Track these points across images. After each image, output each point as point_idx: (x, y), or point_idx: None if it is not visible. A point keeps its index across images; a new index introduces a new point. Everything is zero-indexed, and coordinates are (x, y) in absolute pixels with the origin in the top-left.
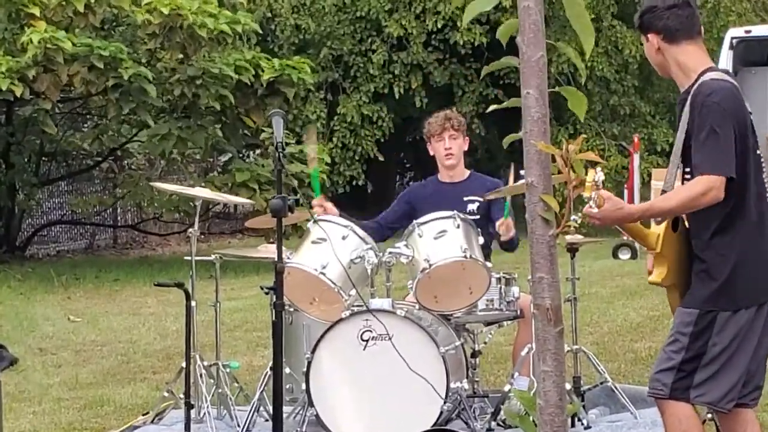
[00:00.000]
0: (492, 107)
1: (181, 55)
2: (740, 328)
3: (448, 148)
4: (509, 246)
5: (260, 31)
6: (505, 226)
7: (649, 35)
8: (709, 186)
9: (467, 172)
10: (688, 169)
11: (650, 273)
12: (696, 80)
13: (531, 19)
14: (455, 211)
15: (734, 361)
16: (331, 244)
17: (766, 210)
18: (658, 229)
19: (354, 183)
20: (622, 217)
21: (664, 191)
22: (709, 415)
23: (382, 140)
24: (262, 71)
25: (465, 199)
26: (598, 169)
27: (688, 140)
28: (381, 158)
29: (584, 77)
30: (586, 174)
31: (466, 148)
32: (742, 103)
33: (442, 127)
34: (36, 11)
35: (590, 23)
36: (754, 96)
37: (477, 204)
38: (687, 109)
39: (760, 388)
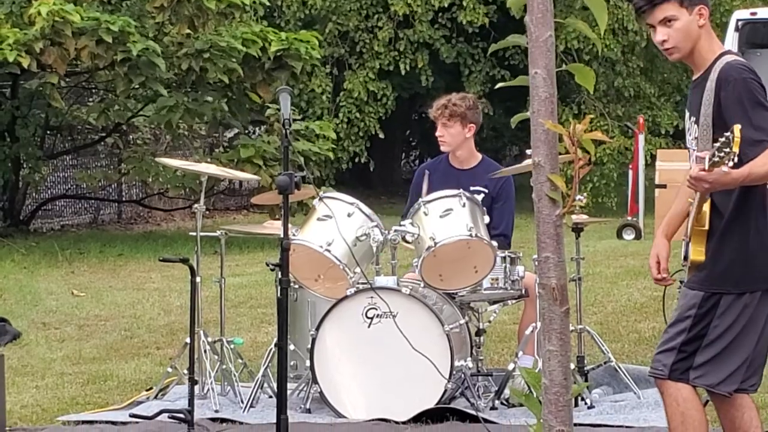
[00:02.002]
0: (500, 85)
1: (188, 29)
2: (743, 312)
3: (440, 135)
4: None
5: (268, 4)
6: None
7: (699, 7)
8: None
9: (478, 158)
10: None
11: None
12: (714, 62)
13: None
14: (461, 190)
15: (737, 345)
16: (337, 222)
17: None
18: (705, 206)
19: (357, 160)
20: (729, 182)
21: (709, 159)
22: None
23: (384, 118)
24: (270, 44)
25: (471, 189)
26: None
27: (717, 117)
28: (382, 135)
29: (600, 48)
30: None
31: (469, 135)
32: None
33: (435, 115)
34: None
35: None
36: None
37: (482, 195)
38: (711, 86)
39: (761, 375)
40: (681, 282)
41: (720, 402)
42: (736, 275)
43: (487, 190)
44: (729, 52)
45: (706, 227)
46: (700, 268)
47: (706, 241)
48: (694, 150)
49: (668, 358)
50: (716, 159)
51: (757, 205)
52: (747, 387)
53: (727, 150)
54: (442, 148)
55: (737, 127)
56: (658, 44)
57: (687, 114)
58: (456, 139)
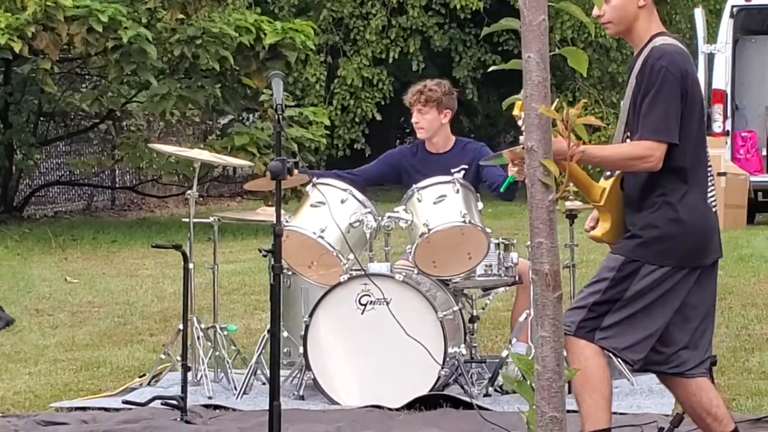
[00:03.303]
0: (492, 68)
1: (181, 15)
2: (661, 285)
3: (416, 122)
4: (509, 195)
5: None
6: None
7: None
8: (648, 152)
9: (452, 141)
10: (628, 134)
11: (591, 229)
12: (647, 43)
13: None
14: (455, 176)
15: (647, 315)
16: (330, 208)
17: (707, 179)
18: (605, 184)
19: (354, 146)
20: (555, 151)
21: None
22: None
23: (383, 103)
24: (265, 35)
25: (452, 171)
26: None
27: (634, 103)
28: (379, 118)
29: (593, 32)
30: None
31: (445, 121)
32: (692, 69)
33: (410, 101)
34: None
35: None
36: (753, 64)
37: (463, 173)
38: (636, 70)
39: (708, 359)
40: None
41: (676, 388)
42: (661, 247)
43: (467, 166)
44: (662, 33)
45: (601, 203)
46: (629, 236)
47: (611, 217)
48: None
49: (577, 315)
50: None
51: (688, 183)
52: (696, 372)
53: None
54: (420, 135)
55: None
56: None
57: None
58: (433, 125)
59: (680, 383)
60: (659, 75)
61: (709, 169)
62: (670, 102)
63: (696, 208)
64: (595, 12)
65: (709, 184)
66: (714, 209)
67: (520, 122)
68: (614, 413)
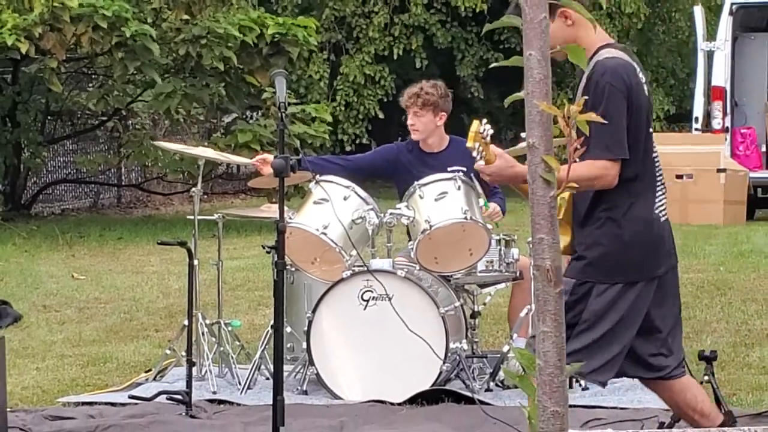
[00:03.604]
0: (494, 64)
1: (186, 15)
2: (617, 302)
3: (412, 124)
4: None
5: None
6: (489, 216)
7: (558, 11)
8: (604, 171)
9: (446, 140)
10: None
11: None
12: (593, 56)
13: None
14: (456, 173)
15: (612, 336)
16: (333, 205)
17: (656, 187)
18: (560, 199)
19: (358, 141)
20: (513, 175)
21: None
22: (706, 377)
23: (385, 100)
24: (267, 29)
25: (450, 170)
26: (485, 120)
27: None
28: (381, 116)
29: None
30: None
31: (440, 123)
32: (637, 80)
33: (407, 104)
34: None
35: None
36: (753, 61)
37: (462, 172)
38: (582, 86)
39: (680, 360)
40: None
41: (660, 390)
42: (608, 265)
43: (465, 168)
44: (607, 45)
45: (559, 216)
46: (576, 257)
47: (570, 231)
48: None
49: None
50: (483, 153)
51: (634, 195)
52: (674, 374)
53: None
54: (414, 137)
55: (475, 122)
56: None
57: None
58: (428, 128)
59: (663, 385)
60: (604, 92)
61: (660, 176)
62: (618, 117)
63: (641, 219)
64: None
65: (659, 191)
66: (664, 217)
67: (474, 153)
68: (615, 408)
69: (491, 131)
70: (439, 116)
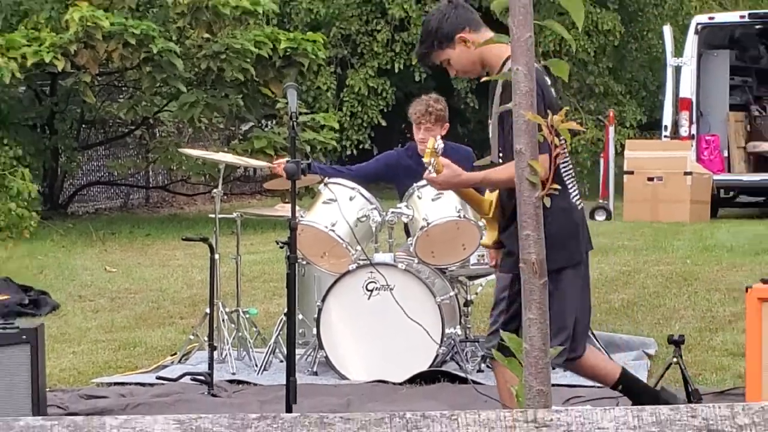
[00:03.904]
0: (485, 78)
1: (207, 33)
2: (554, 291)
3: (422, 140)
4: None
5: (277, 11)
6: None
7: (457, 37)
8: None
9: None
10: (500, 151)
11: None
12: (503, 65)
13: (521, 2)
14: None
15: (556, 321)
16: (340, 205)
17: (566, 180)
18: (491, 197)
19: (361, 147)
20: (459, 183)
21: (492, 163)
22: (674, 359)
23: (386, 110)
24: (279, 43)
25: None
26: (438, 137)
27: (501, 122)
28: (384, 123)
29: (574, 47)
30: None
31: (444, 133)
32: (543, 81)
33: (419, 120)
34: None
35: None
36: (716, 75)
37: None
38: (499, 91)
39: (585, 340)
40: None
41: (574, 369)
42: None
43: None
44: None
45: (490, 215)
46: (506, 252)
47: (498, 227)
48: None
49: (495, 339)
50: (435, 165)
51: (560, 185)
52: (577, 356)
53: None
54: (422, 149)
55: (431, 140)
56: (454, 76)
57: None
58: None
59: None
60: None
61: (569, 169)
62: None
63: (563, 210)
64: (451, 73)
65: (570, 183)
66: (580, 207)
67: (429, 166)
68: (590, 387)
69: (442, 146)
70: (444, 128)
